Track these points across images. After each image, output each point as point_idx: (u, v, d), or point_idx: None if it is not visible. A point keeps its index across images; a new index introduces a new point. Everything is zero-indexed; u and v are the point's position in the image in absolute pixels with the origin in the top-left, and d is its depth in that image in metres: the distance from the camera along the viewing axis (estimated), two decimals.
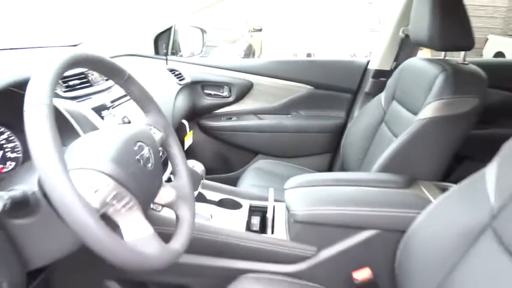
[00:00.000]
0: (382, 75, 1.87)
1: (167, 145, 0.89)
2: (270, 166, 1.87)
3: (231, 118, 2.05)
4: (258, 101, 2.02)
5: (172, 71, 1.84)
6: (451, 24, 1.29)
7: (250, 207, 1.33)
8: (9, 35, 1.45)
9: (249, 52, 6.51)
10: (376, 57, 1.93)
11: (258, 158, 2.02)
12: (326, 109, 2.02)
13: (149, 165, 0.72)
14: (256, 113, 2.04)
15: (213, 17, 5.93)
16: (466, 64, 1.38)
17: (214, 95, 2.01)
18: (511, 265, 0.80)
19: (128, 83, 0.82)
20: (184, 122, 1.81)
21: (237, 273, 1.10)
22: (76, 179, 0.59)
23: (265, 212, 1.28)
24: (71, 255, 1.08)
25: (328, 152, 2.04)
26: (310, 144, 2.02)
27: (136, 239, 0.66)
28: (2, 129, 0.86)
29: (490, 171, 0.94)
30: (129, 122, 1.12)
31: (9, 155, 0.87)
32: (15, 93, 0.81)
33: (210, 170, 1.99)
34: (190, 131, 1.85)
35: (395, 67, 1.80)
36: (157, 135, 0.85)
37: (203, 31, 2.12)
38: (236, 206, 1.32)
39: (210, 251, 1.12)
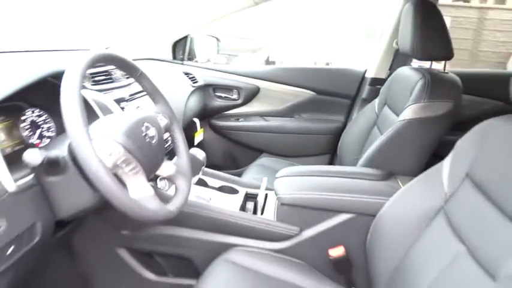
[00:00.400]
0: (378, 83, 2.03)
1: (171, 130, 1.08)
2: (272, 163, 2.04)
3: (239, 119, 2.23)
4: (264, 104, 2.20)
5: (187, 74, 2.05)
6: (431, 37, 1.45)
7: (246, 194, 1.50)
8: (45, 38, 1.68)
9: (269, 62, 6.72)
10: (373, 66, 2.09)
11: (263, 157, 2.19)
12: (326, 113, 2.18)
13: (154, 141, 0.92)
14: (262, 115, 2.22)
15: (234, 27, 6.18)
16: (446, 73, 1.53)
17: (225, 97, 2.21)
18: (453, 241, 0.94)
19: (141, 78, 1.02)
20: (196, 120, 2.00)
21: (229, 247, 1.27)
22: (96, 145, 0.79)
23: (257, 199, 1.45)
24: (88, 225, 1.28)
25: (328, 152, 2.20)
26: (311, 145, 2.18)
27: (140, 197, 0.85)
28: (41, 112, 1.07)
29: (446, 164, 1.09)
30: None
31: (45, 133, 1.08)
32: (52, 83, 1.02)
33: (218, 165, 2.19)
34: (200, 128, 2.05)
35: (389, 75, 1.96)
36: (163, 122, 1.04)
37: (217, 39, 2.32)
38: (233, 192, 1.49)
39: (206, 227, 1.30)
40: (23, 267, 0.89)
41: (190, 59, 2.20)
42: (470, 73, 2.07)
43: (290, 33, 6.40)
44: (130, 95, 1.33)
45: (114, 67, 1.33)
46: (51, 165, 0.84)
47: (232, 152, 2.27)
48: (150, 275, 1.38)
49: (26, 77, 0.88)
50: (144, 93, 1.41)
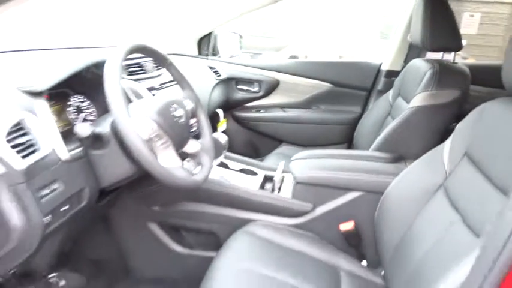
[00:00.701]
0: (393, 75, 2.11)
1: (196, 113, 1.22)
2: (290, 152, 2.15)
3: (259, 110, 2.36)
4: (284, 96, 2.32)
5: (211, 68, 2.19)
6: (440, 29, 1.54)
7: (265, 176, 1.63)
8: (78, 36, 1.84)
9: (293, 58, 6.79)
10: (388, 59, 2.17)
11: (282, 146, 2.31)
12: (343, 104, 2.28)
13: (181, 121, 1.06)
14: (281, 106, 2.34)
15: (257, 26, 6.29)
16: (455, 64, 1.61)
17: (246, 90, 2.34)
18: (450, 212, 1.04)
19: (170, 67, 1.17)
20: (219, 111, 2.14)
21: (249, 222, 1.40)
22: (134, 121, 0.93)
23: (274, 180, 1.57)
24: (123, 202, 1.43)
25: (344, 142, 2.29)
26: (328, 135, 2.28)
27: (170, 167, 0.98)
28: (84, 99, 1.23)
29: (446, 145, 1.19)
30: None
31: (88, 117, 1.24)
32: (93, 73, 1.17)
33: (241, 154, 2.31)
34: (224, 119, 2.18)
35: (404, 67, 2.04)
36: (190, 106, 1.18)
37: (240, 36, 2.45)
38: (253, 174, 1.62)
39: (228, 203, 1.43)
40: (73, 227, 1.05)
41: (214, 54, 2.34)
42: (481, 65, 2.13)
43: (311, 29, 6.47)
44: (160, 84, 1.48)
45: (145, 59, 1.48)
46: (96, 140, 1.00)
47: (253, 142, 2.39)
48: (177, 247, 1.52)
49: (72, 67, 1.03)
50: (173, 82, 1.56)
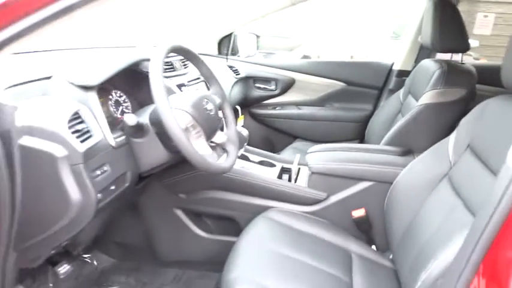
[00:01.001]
0: (404, 75, 2.21)
1: (223, 107, 1.34)
2: (304, 147, 2.26)
3: (275, 108, 2.48)
4: (299, 94, 2.44)
5: (230, 67, 2.32)
6: (449, 32, 1.64)
7: (282, 167, 1.75)
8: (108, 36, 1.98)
9: (305, 57, 6.90)
10: (399, 60, 2.28)
11: (297, 141, 2.43)
12: (356, 102, 2.39)
13: (211, 113, 1.18)
14: (297, 104, 2.46)
15: (271, 26, 6.41)
16: (463, 64, 1.71)
17: (263, 88, 2.46)
18: (453, 198, 1.15)
19: (201, 65, 1.30)
20: (238, 107, 2.27)
21: (267, 209, 1.52)
22: (174, 112, 1.06)
23: (291, 171, 1.69)
24: (152, 190, 1.56)
25: (356, 139, 2.40)
26: (341, 131, 2.39)
27: (202, 154, 1.11)
28: (121, 94, 1.36)
29: (451, 139, 1.29)
30: None
31: (125, 110, 1.37)
32: (131, 70, 1.31)
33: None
34: (241, 115, 2.31)
35: (415, 67, 2.14)
36: (217, 101, 1.30)
37: (257, 36, 2.58)
38: (271, 165, 1.75)
39: (248, 191, 1.55)
40: (118, 205, 1.18)
41: (233, 54, 2.47)
42: (487, 65, 2.22)
43: (324, 30, 6.57)
44: (188, 81, 1.61)
45: (174, 58, 1.62)
46: (137, 130, 1.13)
47: (269, 138, 2.52)
48: (200, 232, 1.65)
49: (118, 64, 1.17)
50: (198, 80, 1.70)
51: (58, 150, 0.90)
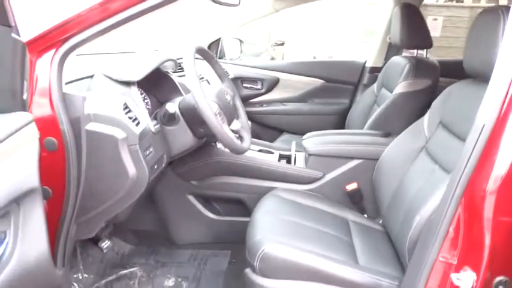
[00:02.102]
0: (376, 71, 2.50)
1: (234, 100, 1.55)
2: (291, 139, 2.49)
3: (262, 105, 2.71)
4: (283, 92, 2.68)
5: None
6: (414, 31, 1.94)
7: (280, 154, 1.97)
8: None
9: None
10: (371, 58, 2.58)
11: (284, 135, 2.66)
12: (334, 97, 2.67)
13: (230, 103, 1.39)
14: (281, 101, 2.70)
15: (238, 32, 6.65)
16: (427, 58, 2.01)
17: (250, 87, 2.68)
18: (431, 164, 1.41)
19: (215, 64, 1.50)
20: None
21: (271, 190, 1.73)
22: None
23: (290, 157, 1.92)
24: (167, 179, 1.74)
25: (337, 129, 2.66)
26: (322, 124, 2.63)
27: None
28: (142, 92, 1.54)
29: (425, 118, 1.57)
30: None
31: (146, 106, 1.55)
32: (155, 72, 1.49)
33: None
34: None
35: (385, 64, 2.44)
36: (231, 93, 1.51)
37: (241, 41, 2.80)
38: (270, 153, 1.97)
39: (254, 175, 1.76)
40: (152, 184, 1.35)
41: (220, 57, 2.68)
42: (448, 60, 2.56)
43: (291, 36, 6.91)
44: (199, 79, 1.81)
45: (182, 61, 1.81)
46: (170, 119, 1.32)
47: (258, 133, 2.73)
48: (211, 215, 1.85)
49: (152, 64, 1.36)
50: (202, 79, 1.90)
51: (119, 133, 1.08)
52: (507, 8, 1.12)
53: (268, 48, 7.65)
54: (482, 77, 1.23)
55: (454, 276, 0.93)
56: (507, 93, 0.87)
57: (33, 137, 0.76)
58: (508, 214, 0.87)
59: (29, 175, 0.73)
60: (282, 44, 8.25)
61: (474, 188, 0.91)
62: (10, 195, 0.68)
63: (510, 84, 0.87)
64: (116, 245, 1.81)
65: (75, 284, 1.49)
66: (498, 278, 0.88)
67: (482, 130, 0.88)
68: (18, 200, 0.71)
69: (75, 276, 1.54)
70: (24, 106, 0.77)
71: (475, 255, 0.91)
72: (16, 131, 0.71)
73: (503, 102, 0.87)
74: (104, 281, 1.59)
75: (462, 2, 10.06)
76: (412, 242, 1.18)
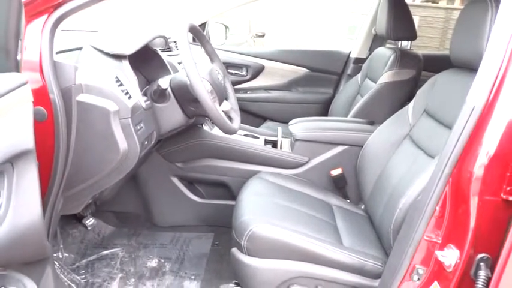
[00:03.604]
0: (360, 62, 2.54)
1: (224, 81, 1.55)
2: (274, 126, 2.51)
3: (247, 92, 2.70)
4: (268, 79, 2.69)
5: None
6: (400, 23, 1.97)
7: (265, 139, 1.98)
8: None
9: None
10: (356, 49, 2.62)
11: (267, 122, 2.67)
12: (318, 87, 2.69)
13: (222, 82, 1.39)
14: (266, 88, 2.70)
15: (219, 21, 6.61)
16: (411, 50, 2.06)
17: (235, 73, 2.67)
18: (415, 150, 1.45)
19: (206, 44, 1.49)
20: None
21: (255, 174, 1.74)
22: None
23: (275, 142, 1.93)
24: (151, 160, 1.72)
25: None
26: (306, 112, 2.65)
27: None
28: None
29: (410, 106, 1.61)
30: None
31: None
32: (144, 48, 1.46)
33: None
34: None
35: (369, 55, 2.48)
36: (221, 73, 1.50)
37: (226, 27, 2.78)
38: (255, 138, 1.97)
39: (239, 158, 1.77)
40: (137, 165, 1.34)
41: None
42: (430, 54, 2.63)
43: (274, 28, 6.92)
44: (179, 62, 1.79)
45: (170, 41, 1.79)
46: (160, 95, 1.30)
47: (242, 120, 2.71)
48: (194, 197, 1.84)
49: (145, 39, 1.33)
50: None
51: (111, 105, 1.06)
52: None
53: (248, 40, 7.65)
54: (469, 66, 1.27)
55: (438, 253, 0.96)
56: (496, 77, 0.90)
57: (27, 100, 0.73)
58: (493, 193, 0.90)
59: (23, 136, 0.71)
60: (263, 36, 8.27)
61: (462, 168, 0.94)
62: (4, 154, 0.66)
63: (500, 69, 0.90)
64: (96, 226, 1.78)
65: (55, 263, 1.46)
66: (480, 255, 0.92)
67: (472, 112, 0.91)
68: (12, 161, 0.69)
69: (55, 255, 1.50)
70: (17, 67, 0.74)
71: (459, 233, 0.94)
72: (10, 91, 0.68)
73: (493, 86, 0.90)
74: (84, 261, 1.57)
75: (437, 3, 10.32)
76: (397, 223, 1.22)
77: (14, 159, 0.69)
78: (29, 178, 0.72)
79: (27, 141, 0.71)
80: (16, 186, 0.70)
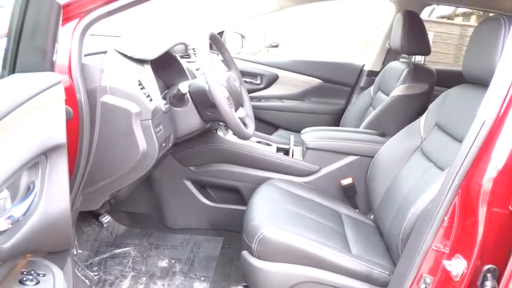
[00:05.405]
0: (373, 75, 2.57)
1: (240, 88, 1.59)
2: (286, 135, 2.55)
3: (260, 100, 2.75)
4: (281, 89, 2.73)
5: (222, 61, 2.55)
6: (414, 37, 2.00)
7: (277, 147, 2.02)
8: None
9: None
10: (369, 62, 2.65)
11: (279, 131, 2.71)
12: (331, 98, 2.73)
13: (238, 89, 1.43)
14: (279, 97, 2.75)
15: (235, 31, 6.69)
16: (425, 64, 2.09)
17: (250, 82, 2.72)
18: (425, 162, 1.47)
19: (225, 52, 1.54)
20: None
21: (268, 180, 1.77)
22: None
23: (287, 150, 1.97)
24: (165, 163, 1.76)
25: None
26: (318, 122, 2.68)
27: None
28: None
29: (422, 119, 1.63)
30: None
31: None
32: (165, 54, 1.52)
33: None
34: None
35: (382, 69, 2.50)
36: (238, 80, 1.55)
37: (242, 36, 2.84)
38: (268, 145, 2.01)
39: (252, 164, 1.80)
40: (156, 165, 1.38)
41: None
42: (444, 70, 2.65)
43: (288, 38, 6.98)
44: (197, 68, 1.84)
45: (190, 47, 1.85)
46: (179, 100, 1.35)
47: (255, 127, 2.77)
48: (206, 201, 1.88)
49: (166, 45, 1.38)
50: None
51: (133, 107, 1.11)
52: (508, 17, 1.19)
53: (263, 50, 7.72)
54: (481, 81, 1.29)
55: (446, 263, 0.98)
56: (508, 92, 0.93)
57: (60, 97, 0.78)
58: (502, 206, 0.93)
59: (57, 131, 0.75)
60: (277, 46, 8.32)
61: (471, 179, 0.97)
62: (40, 146, 0.70)
63: (511, 84, 0.93)
64: (110, 225, 1.83)
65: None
66: (487, 266, 0.93)
67: (482, 125, 0.94)
68: (47, 153, 0.73)
69: None
70: (53, 67, 0.79)
71: (467, 243, 0.96)
72: (46, 89, 0.73)
73: (504, 101, 0.93)
74: (97, 258, 1.61)
75: (453, 19, 10.31)
76: (406, 233, 1.24)
77: (48, 152, 0.74)
78: (60, 171, 0.77)
79: (60, 135, 0.76)
80: (49, 177, 0.74)
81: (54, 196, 0.75)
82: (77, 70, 1.02)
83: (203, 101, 1.36)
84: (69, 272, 0.92)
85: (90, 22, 1.04)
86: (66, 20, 1.03)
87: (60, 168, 0.76)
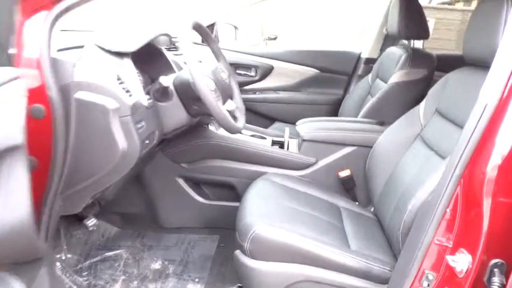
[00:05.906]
0: (371, 62, 2.48)
1: (229, 80, 1.52)
2: (283, 128, 2.47)
3: (255, 92, 2.67)
4: (277, 80, 2.65)
5: None
6: (412, 21, 1.92)
7: (272, 140, 1.95)
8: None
9: None
10: (366, 49, 2.57)
11: (275, 123, 2.63)
12: (328, 87, 2.64)
13: (226, 81, 1.36)
14: (275, 89, 2.67)
15: (231, 23, 6.61)
16: (424, 49, 2.00)
17: (244, 74, 2.64)
18: (426, 151, 1.40)
19: (212, 43, 1.46)
20: None
21: (262, 175, 1.71)
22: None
23: (283, 143, 1.89)
24: (156, 161, 1.70)
25: None
26: (316, 113, 2.59)
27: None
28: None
29: (421, 106, 1.55)
30: None
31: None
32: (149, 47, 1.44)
33: None
34: None
35: (380, 55, 2.42)
36: (227, 73, 1.48)
37: (235, 27, 2.76)
38: (262, 138, 1.94)
39: (246, 159, 1.73)
40: (140, 165, 1.32)
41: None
42: (443, 55, 2.56)
43: (286, 30, 6.89)
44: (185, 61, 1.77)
45: (177, 39, 1.77)
46: (163, 94, 1.28)
47: (250, 120, 2.68)
48: (199, 199, 1.81)
49: (147, 36, 1.31)
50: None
51: (110, 103, 1.04)
52: None
53: (261, 42, 7.63)
54: (482, 63, 1.22)
55: (449, 258, 0.91)
56: (511, 73, 0.86)
57: (19, 94, 0.71)
58: (508, 195, 0.86)
59: (12, 131, 0.69)
60: (275, 39, 8.23)
61: (474, 168, 0.90)
62: None
63: None
64: (101, 227, 1.77)
65: (58, 264, 1.45)
66: (494, 261, 0.87)
67: (484, 110, 0.87)
68: (0, 155, 0.67)
69: (58, 256, 1.49)
70: (10, 61, 0.73)
71: (471, 237, 0.89)
72: (1, 84, 0.66)
73: (507, 83, 0.86)
74: (87, 262, 1.55)
75: (454, 5, 10.15)
76: (406, 226, 1.17)
77: (2, 154, 0.67)
78: (18, 174, 0.70)
79: (16, 136, 0.69)
80: (5, 182, 0.68)
81: (11, 202, 0.69)
82: (47, 65, 0.95)
83: (188, 94, 1.29)
84: (43, 284, 0.86)
85: (60, 13, 0.97)
86: (34, 11, 0.96)
87: (18, 171, 0.70)
